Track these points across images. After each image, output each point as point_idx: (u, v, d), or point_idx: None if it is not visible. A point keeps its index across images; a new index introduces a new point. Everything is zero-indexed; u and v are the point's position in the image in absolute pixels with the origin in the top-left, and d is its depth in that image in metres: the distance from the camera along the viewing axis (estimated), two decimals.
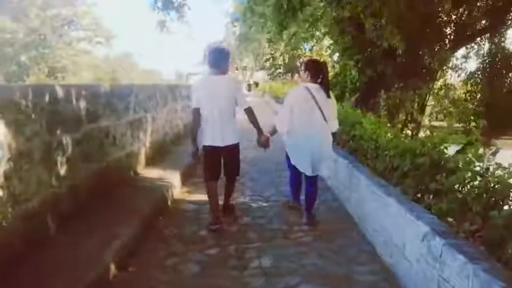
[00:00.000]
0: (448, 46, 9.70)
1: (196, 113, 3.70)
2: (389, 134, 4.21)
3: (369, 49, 9.55)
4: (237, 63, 47.52)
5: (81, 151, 3.50)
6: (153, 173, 5.18)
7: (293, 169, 3.99)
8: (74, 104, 3.42)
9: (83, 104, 3.56)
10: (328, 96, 3.72)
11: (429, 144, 3.18)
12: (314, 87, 3.69)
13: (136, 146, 5.07)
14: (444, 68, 10.39)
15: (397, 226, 2.85)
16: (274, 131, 3.95)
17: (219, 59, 3.70)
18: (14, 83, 26.56)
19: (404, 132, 8.84)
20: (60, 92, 3.19)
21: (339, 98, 7.83)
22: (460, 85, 12.26)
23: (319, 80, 3.70)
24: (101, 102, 3.96)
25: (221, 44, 45.27)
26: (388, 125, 5.96)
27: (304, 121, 3.67)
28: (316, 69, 3.76)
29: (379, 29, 7.46)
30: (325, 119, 3.69)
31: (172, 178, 5.01)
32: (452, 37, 10.08)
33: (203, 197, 4.69)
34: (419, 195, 2.94)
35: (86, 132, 3.59)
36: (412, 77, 8.52)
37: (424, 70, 8.79)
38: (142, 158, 5.35)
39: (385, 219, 3.08)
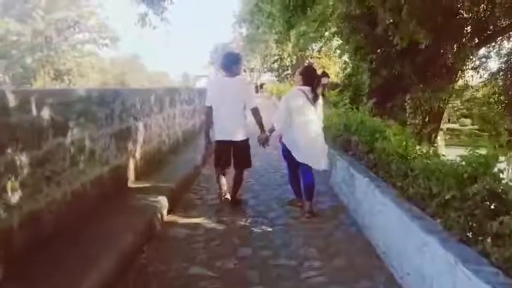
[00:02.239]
0: (470, 44, 8.95)
1: (209, 110, 4.18)
2: (418, 148, 3.51)
3: (384, 48, 8.85)
4: (244, 64, 46.99)
5: (43, 172, 2.86)
6: (142, 189, 4.53)
7: (290, 167, 4.35)
8: (33, 114, 2.78)
9: (46, 114, 2.92)
10: (317, 97, 4.15)
11: (478, 164, 2.48)
12: (307, 89, 4.11)
13: (122, 160, 4.43)
14: (465, 68, 9.64)
15: (441, 276, 2.15)
16: (272, 130, 4.25)
17: (230, 63, 4.15)
18: (21, 86, 26.30)
19: (421, 135, 8.13)
20: (12, 100, 2.55)
21: (353, 102, 7.11)
22: (480, 86, 11.48)
23: (312, 84, 4.10)
24: (73, 110, 3.32)
25: (228, 45, 44.87)
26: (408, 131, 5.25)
27: (301, 120, 4.04)
28: (310, 75, 4.19)
29: (397, 25, 6.73)
30: (317, 116, 4.16)
31: (164, 195, 4.35)
32: (473, 35, 9.33)
33: (197, 218, 4.08)
34: (470, 235, 2.24)
35: (50, 148, 2.95)
36: (433, 77, 7.79)
37: (445, 70, 8.05)
38: (131, 173, 4.71)
39: (422, 263, 2.38)
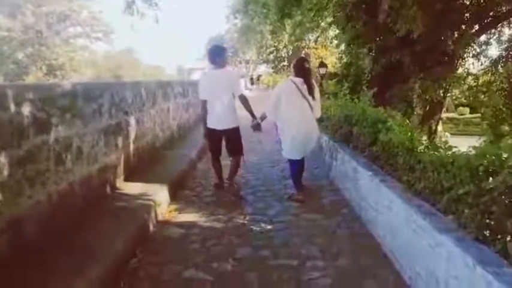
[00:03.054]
0: (470, 31, 8.74)
1: (205, 104, 4.43)
2: (424, 139, 3.33)
3: (382, 36, 8.62)
4: (239, 56, 46.44)
5: (24, 173, 2.65)
6: (135, 187, 4.33)
7: (295, 161, 4.42)
8: (12, 110, 2.57)
9: (27, 110, 2.71)
10: (310, 88, 4.27)
11: (493, 156, 2.29)
12: (298, 80, 4.26)
13: (113, 157, 4.22)
14: (465, 55, 9.44)
15: (457, 279, 1.98)
16: (263, 117, 4.51)
17: (215, 55, 4.39)
18: (13, 82, 25.84)
19: (422, 125, 7.94)
20: None
21: (353, 92, 6.90)
22: (480, 74, 11.29)
23: (303, 76, 4.27)
24: (57, 106, 3.10)
25: (223, 37, 44.34)
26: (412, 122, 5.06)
27: (292, 109, 4.20)
28: (299, 67, 4.36)
29: (397, 11, 6.49)
30: (310, 107, 4.27)
31: (159, 193, 4.17)
32: (473, 22, 9.11)
33: (193, 216, 3.89)
34: (487, 233, 2.06)
35: (32, 147, 2.74)
36: (433, 65, 7.58)
37: (446, 58, 7.83)
38: (123, 169, 4.50)
39: (435, 264, 2.21)
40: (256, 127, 4.53)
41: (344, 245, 3.19)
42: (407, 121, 3.94)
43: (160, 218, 3.87)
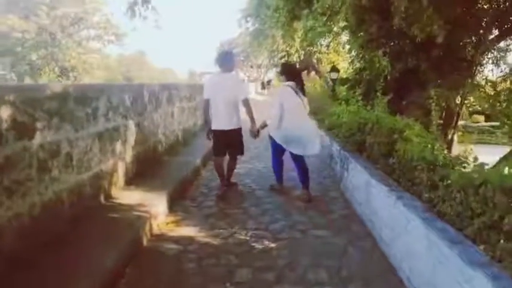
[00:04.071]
0: (490, 37, 8.32)
1: (207, 103, 4.56)
2: (447, 152, 2.99)
3: (397, 41, 8.25)
4: (251, 61, 46.28)
5: (1, 182, 2.40)
6: (132, 196, 4.07)
7: (275, 154, 4.71)
8: None
9: (6, 114, 2.46)
10: (303, 88, 4.60)
11: None
12: (293, 84, 4.52)
13: (109, 164, 3.96)
14: (484, 62, 9.01)
15: None
16: (264, 125, 4.74)
17: (224, 60, 4.54)
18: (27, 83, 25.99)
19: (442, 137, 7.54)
20: None
21: (366, 98, 6.57)
22: (499, 81, 10.81)
23: (294, 79, 4.55)
24: (44, 109, 2.85)
25: (235, 41, 44.26)
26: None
27: (294, 113, 4.42)
28: (290, 72, 4.70)
29: (414, 14, 6.13)
30: (304, 105, 4.54)
31: (156, 203, 3.90)
32: (493, 27, 8.68)
33: (192, 230, 3.60)
34: None
35: (10, 154, 2.49)
36: (451, 71, 7.18)
37: (465, 64, 7.43)
38: (119, 177, 4.25)
39: None
40: (255, 134, 4.62)
41: (355, 268, 2.87)
42: (427, 130, 3.60)
43: (156, 230, 3.59)
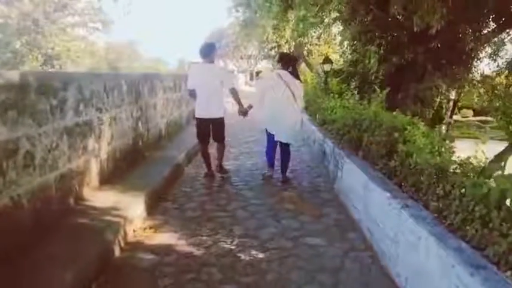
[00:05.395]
0: (488, 29, 8.05)
1: (190, 92, 4.87)
2: (458, 156, 2.68)
3: (394, 32, 7.92)
4: (241, 51, 45.56)
5: None
6: (106, 197, 3.68)
7: (269, 141, 4.93)
8: None
9: None
10: (298, 79, 4.81)
11: None
12: (283, 73, 4.70)
13: (80, 162, 3.56)
14: (481, 55, 8.76)
15: None
16: (251, 106, 5.06)
17: (207, 51, 4.76)
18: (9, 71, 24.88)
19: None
20: None
21: (360, 91, 6.23)
22: (494, 75, 10.61)
23: (290, 69, 4.75)
24: None
25: (226, 31, 43.45)
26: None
27: (276, 99, 4.64)
28: (284, 60, 4.88)
29: (414, 2, 5.79)
30: (294, 97, 4.66)
31: (133, 206, 3.52)
32: (490, 19, 8.40)
33: (171, 236, 3.25)
34: None
35: None
36: (449, 65, 6.90)
37: (464, 56, 7.14)
38: (93, 177, 3.85)
39: None
40: (244, 113, 5.00)
41: (353, 286, 2.55)
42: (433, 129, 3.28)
43: (131, 238, 3.22)
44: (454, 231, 2.15)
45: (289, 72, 4.69)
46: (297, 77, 4.79)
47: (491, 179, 2.20)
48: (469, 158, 2.64)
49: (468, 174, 2.40)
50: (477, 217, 1.98)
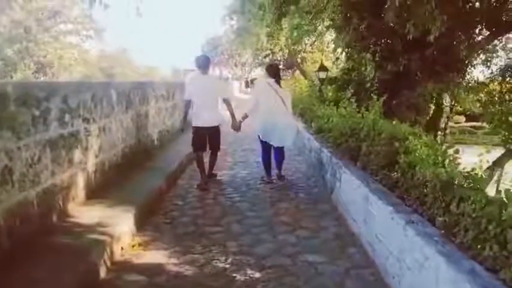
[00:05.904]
0: (482, 37, 8.01)
1: (188, 103, 5.01)
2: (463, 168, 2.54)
3: (388, 39, 7.84)
4: (235, 59, 45.54)
5: None
6: (93, 213, 3.48)
7: (264, 148, 5.14)
8: None
9: None
10: (280, 87, 5.16)
11: None
12: (271, 81, 5.03)
13: (64, 176, 3.37)
14: (475, 62, 8.72)
15: None
16: (245, 117, 5.22)
17: (203, 63, 4.94)
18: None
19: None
20: None
21: (356, 99, 6.10)
22: (487, 82, 10.60)
23: (276, 77, 5.08)
24: None
25: (220, 38, 43.44)
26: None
27: (269, 106, 4.91)
28: (272, 70, 5.22)
29: (410, 9, 5.69)
30: (284, 103, 4.97)
31: (121, 221, 3.33)
32: (484, 27, 8.37)
33: (162, 255, 3.07)
34: None
35: None
36: (444, 71, 6.82)
37: (459, 64, 7.07)
38: (79, 191, 3.66)
39: None
40: (237, 127, 5.13)
41: None
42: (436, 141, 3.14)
43: (118, 257, 3.03)
44: (465, 249, 1.99)
45: (275, 81, 5.03)
46: (279, 83, 5.14)
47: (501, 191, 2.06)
48: (473, 169, 2.50)
49: (477, 187, 2.25)
50: (491, 236, 1.83)
